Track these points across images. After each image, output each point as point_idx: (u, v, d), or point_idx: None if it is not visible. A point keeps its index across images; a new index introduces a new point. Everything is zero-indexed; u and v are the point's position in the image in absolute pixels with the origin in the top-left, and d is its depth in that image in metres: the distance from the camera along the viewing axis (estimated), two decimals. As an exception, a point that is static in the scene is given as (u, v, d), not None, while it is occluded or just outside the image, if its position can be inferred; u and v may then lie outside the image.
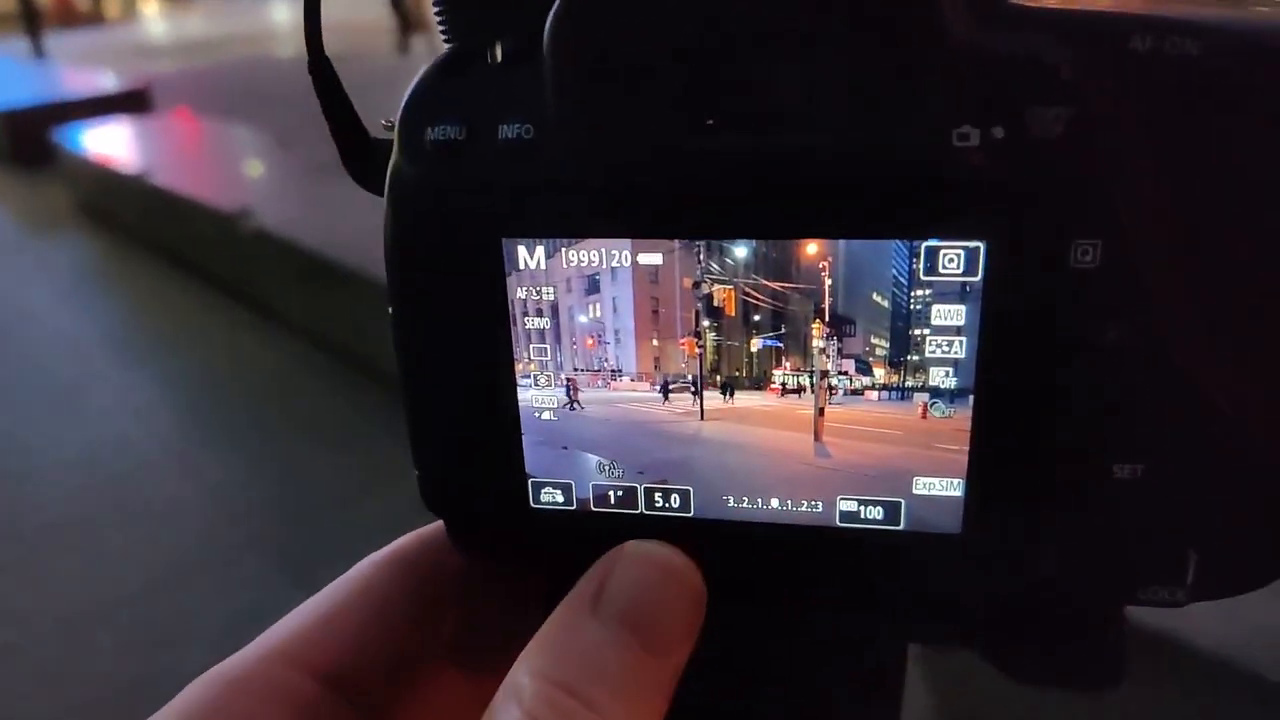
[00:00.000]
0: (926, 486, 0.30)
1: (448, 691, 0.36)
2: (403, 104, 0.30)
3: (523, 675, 0.27)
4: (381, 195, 0.32)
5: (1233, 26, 0.26)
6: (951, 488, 0.29)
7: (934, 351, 0.28)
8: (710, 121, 0.27)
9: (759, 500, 0.31)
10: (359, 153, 0.34)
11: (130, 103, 6.33)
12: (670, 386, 0.31)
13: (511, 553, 0.34)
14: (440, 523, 0.35)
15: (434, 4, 0.30)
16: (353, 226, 2.84)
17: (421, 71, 0.30)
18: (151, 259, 4.31)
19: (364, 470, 2.51)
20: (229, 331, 3.53)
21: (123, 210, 4.72)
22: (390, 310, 0.32)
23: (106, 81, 6.98)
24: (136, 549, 2.35)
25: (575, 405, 0.31)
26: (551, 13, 0.27)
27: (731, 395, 0.30)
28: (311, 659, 0.33)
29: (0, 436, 2.92)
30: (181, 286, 3.98)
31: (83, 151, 5.09)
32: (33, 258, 4.64)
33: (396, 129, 0.30)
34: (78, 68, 7.85)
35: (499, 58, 0.29)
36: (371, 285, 2.64)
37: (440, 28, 0.30)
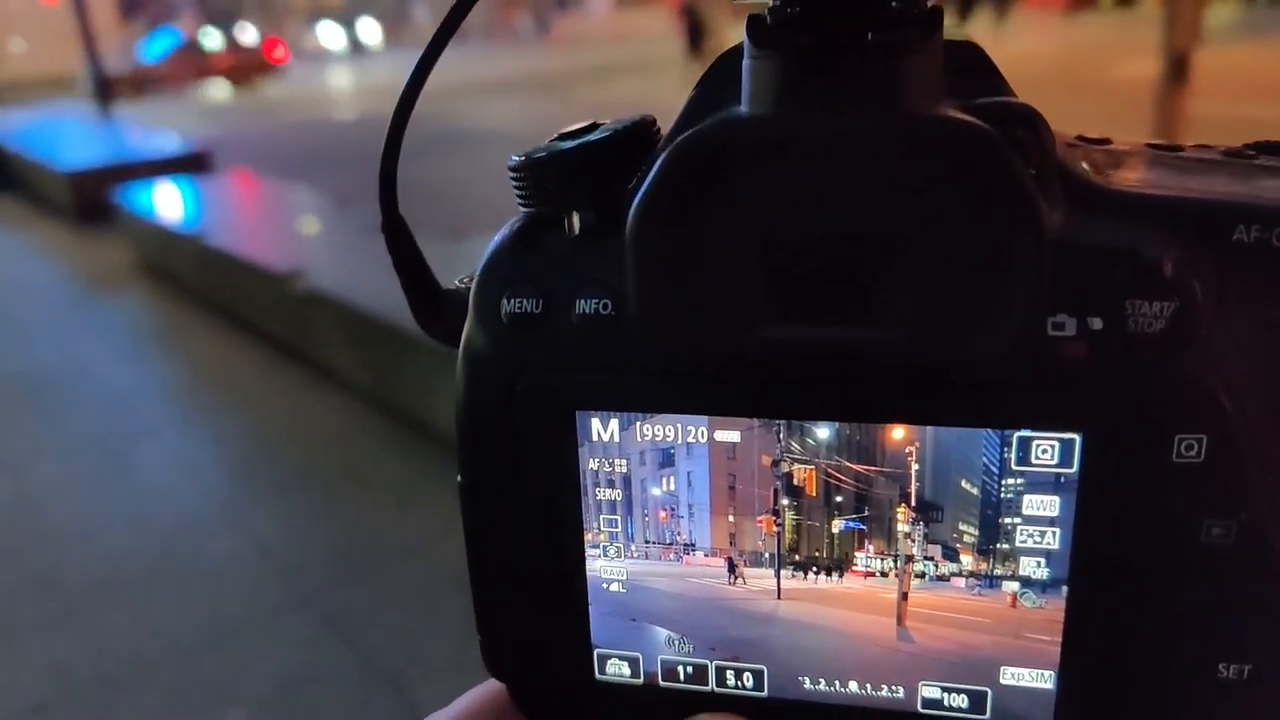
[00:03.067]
0: (1015, 677, 0.28)
1: None
2: (478, 272, 0.30)
3: None
4: (448, 345, 0.31)
5: None
6: (1042, 679, 0.28)
7: (1025, 541, 0.27)
8: (794, 308, 0.26)
9: (837, 683, 0.30)
10: (429, 305, 0.33)
11: (191, 164, 6.52)
12: (742, 564, 0.30)
13: None
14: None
15: (510, 170, 0.30)
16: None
17: (496, 239, 0.30)
18: (208, 317, 4.40)
19: (416, 530, 2.51)
20: (284, 391, 3.57)
21: (180, 269, 4.83)
22: (459, 477, 0.31)
23: (169, 143, 7.20)
24: (185, 607, 2.36)
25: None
26: (638, 196, 0.27)
27: (811, 576, 0.29)
28: None
29: (54, 491, 2.98)
30: (237, 345, 4.05)
31: (143, 211, 5.24)
32: (92, 315, 4.76)
33: (471, 297, 0.30)
34: (142, 129, 8.12)
35: (576, 229, 0.29)
36: (424, 346, 2.65)
37: (516, 192, 0.30)
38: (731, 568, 0.30)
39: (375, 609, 2.22)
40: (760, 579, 0.30)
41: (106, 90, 9.29)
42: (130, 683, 2.11)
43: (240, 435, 3.32)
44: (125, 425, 3.39)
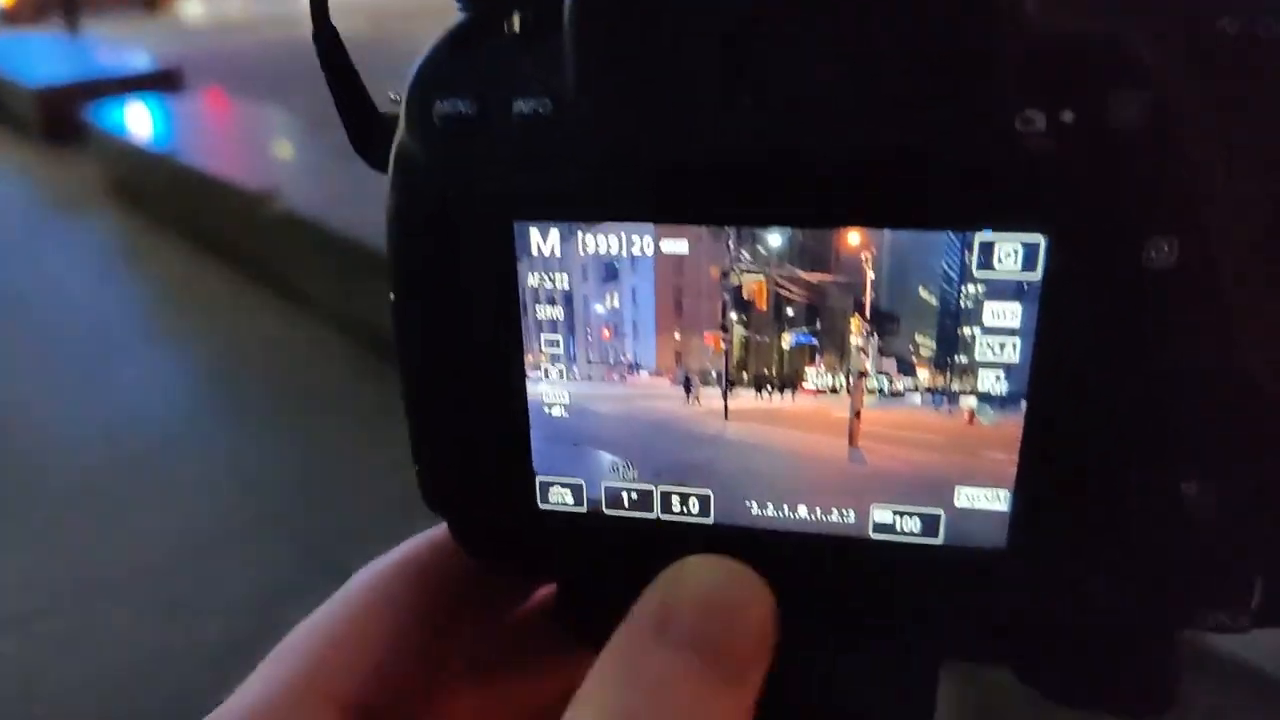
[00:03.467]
0: (970, 498, 0.27)
1: (467, 704, 0.34)
2: (410, 76, 0.28)
3: (586, 714, 0.24)
4: (385, 172, 0.30)
5: None
6: (997, 500, 0.27)
7: (985, 353, 0.26)
8: (746, 101, 0.25)
9: (785, 507, 0.28)
10: (366, 128, 0.31)
11: (161, 81, 6.35)
12: (693, 383, 0.28)
13: (518, 555, 0.32)
14: (446, 525, 0.33)
15: None
16: (382, 209, 2.82)
17: (431, 42, 0.28)
18: (180, 238, 4.33)
19: (387, 451, 2.50)
20: (256, 312, 3.53)
21: (152, 189, 4.74)
22: (391, 295, 0.29)
23: (139, 61, 7.01)
24: (157, 523, 2.36)
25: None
26: None
27: (760, 393, 0.28)
28: (339, 690, 0.31)
29: (25, 410, 2.95)
30: (210, 266, 3.99)
31: (114, 130, 5.12)
32: (62, 234, 4.67)
33: (403, 103, 0.28)
34: (111, 47, 7.90)
35: (516, 29, 0.27)
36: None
37: None
38: (689, 386, 0.28)
39: (344, 529, 2.22)
40: (707, 399, 0.28)
41: (75, 5, 9.02)
42: (106, 595, 2.12)
43: (211, 356, 3.29)
44: (95, 345, 3.35)
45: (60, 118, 5.91)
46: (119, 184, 5.09)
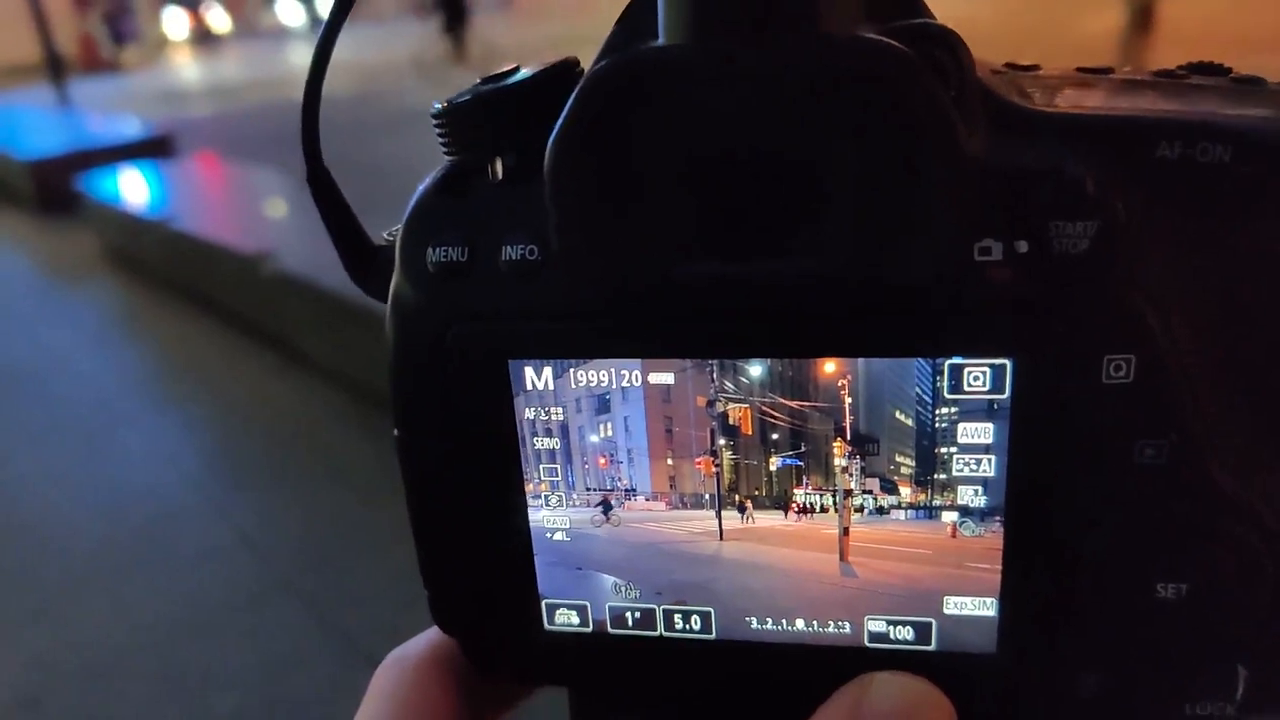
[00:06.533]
0: (958, 606, 0.28)
1: None
2: (403, 223, 0.29)
3: None
4: (382, 301, 0.31)
5: (1265, 129, 0.25)
6: (985, 607, 0.28)
7: (961, 470, 0.27)
8: (720, 243, 0.26)
9: (784, 621, 0.30)
10: (361, 260, 0.33)
11: (154, 148, 6.41)
12: (687, 506, 0.30)
13: (528, 671, 0.33)
14: None
15: (433, 117, 0.29)
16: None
17: (420, 189, 0.29)
18: (178, 303, 4.35)
19: (391, 514, 2.50)
20: (255, 373, 3.54)
21: (148, 256, 4.77)
22: (395, 432, 0.31)
23: (130, 128, 7.08)
24: (163, 595, 2.35)
25: (608, 521, 0.30)
26: (554, 131, 0.26)
27: (752, 514, 0.29)
28: None
29: (28, 483, 2.95)
30: (208, 330, 4.01)
31: (107, 198, 5.16)
32: (59, 304, 4.69)
33: (398, 248, 0.29)
34: (102, 114, 7.97)
35: (499, 175, 0.28)
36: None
37: (440, 140, 0.29)
38: (684, 506, 0.30)
39: (352, 594, 2.21)
40: (702, 521, 0.30)
41: (61, 71, 9.12)
42: (116, 672, 2.10)
43: (212, 420, 3.30)
44: (97, 414, 3.36)
45: (54, 188, 5.97)
46: (115, 252, 5.13)
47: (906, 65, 0.24)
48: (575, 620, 0.31)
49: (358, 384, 3.17)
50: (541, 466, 0.30)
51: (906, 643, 0.29)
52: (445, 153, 0.30)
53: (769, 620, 0.30)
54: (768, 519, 0.29)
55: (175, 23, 22.04)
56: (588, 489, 0.30)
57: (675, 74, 0.25)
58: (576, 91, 0.25)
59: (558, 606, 0.31)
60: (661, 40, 0.26)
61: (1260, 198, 0.25)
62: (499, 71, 0.29)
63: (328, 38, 0.30)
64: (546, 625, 0.31)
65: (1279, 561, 0.26)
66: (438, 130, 0.29)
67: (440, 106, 0.29)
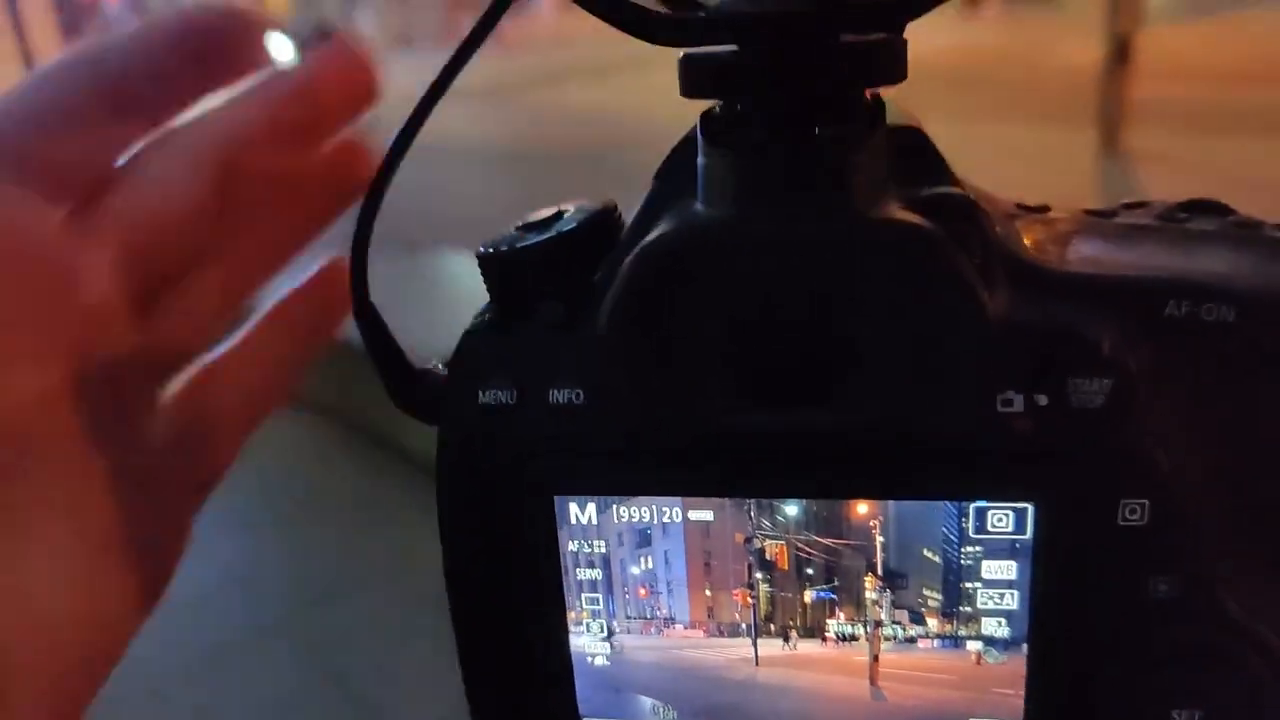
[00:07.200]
0: None
1: None
2: (452, 362, 0.31)
3: None
4: (426, 421, 0.32)
5: (1269, 290, 0.27)
6: None
7: (986, 604, 0.29)
8: (759, 393, 0.28)
9: None
10: (405, 385, 0.34)
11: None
12: (724, 634, 0.31)
13: None
14: None
15: (479, 261, 0.31)
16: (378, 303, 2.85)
17: (468, 330, 0.31)
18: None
19: (393, 552, 2.50)
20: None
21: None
22: (443, 558, 0.32)
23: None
24: (157, 639, 2.32)
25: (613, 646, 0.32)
26: (609, 296, 0.28)
27: (786, 642, 0.31)
28: None
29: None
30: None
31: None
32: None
33: (448, 388, 0.31)
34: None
35: (546, 321, 0.30)
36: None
37: (486, 281, 0.31)
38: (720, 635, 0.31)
39: (351, 635, 2.21)
40: (738, 648, 0.31)
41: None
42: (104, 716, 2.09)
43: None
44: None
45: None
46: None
47: (934, 244, 0.26)
48: None
49: (355, 422, 3.16)
50: (584, 596, 0.31)
51: None
52: (489, 292, 0.31)
53: None
54: (805, 647, 0.31)
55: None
56: (628, 617, 0.31)
57: (719, 250, 0.27)
58: (629, 264, 0.27)
59: None
60: (700, 204, 0.28)
61: (1263, 356, 0.27)
62: (539, 217, 0.31)
63: (377, 189, 0.32)
64: None
65: None
66: (483, 273, 0.31)
67: (485, 252, 0.30)
